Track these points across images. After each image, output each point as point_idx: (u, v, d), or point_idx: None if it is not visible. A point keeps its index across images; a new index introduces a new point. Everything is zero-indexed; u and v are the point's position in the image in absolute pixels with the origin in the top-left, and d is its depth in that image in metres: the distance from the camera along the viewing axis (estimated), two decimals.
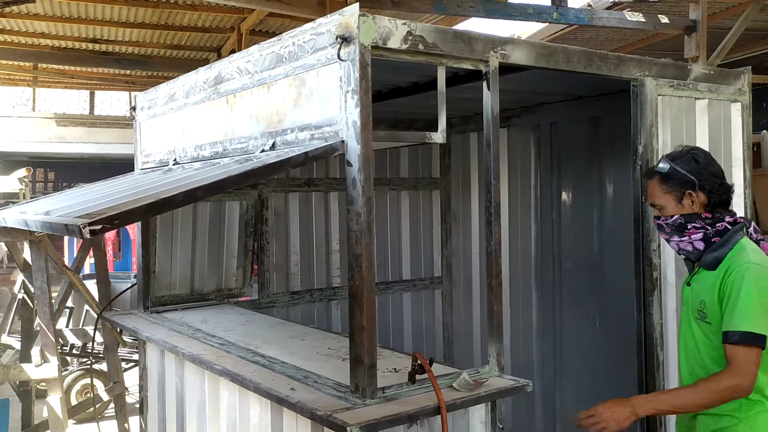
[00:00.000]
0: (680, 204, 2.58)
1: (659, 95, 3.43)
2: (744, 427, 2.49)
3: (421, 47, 2.60)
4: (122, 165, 9.66)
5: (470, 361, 5.49)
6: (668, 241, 2.69)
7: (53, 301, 4.72)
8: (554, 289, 5.09)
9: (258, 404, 2.99)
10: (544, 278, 5.17)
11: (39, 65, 12.51)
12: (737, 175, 3.89)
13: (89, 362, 6.64)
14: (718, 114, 3.76)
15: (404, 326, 5.75)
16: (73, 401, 6.46)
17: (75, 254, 10.77)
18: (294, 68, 2.84)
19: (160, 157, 4.19)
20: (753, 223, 2.59)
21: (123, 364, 6.08)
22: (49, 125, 12.12)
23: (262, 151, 2.98)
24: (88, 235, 2.04)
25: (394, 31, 2.52)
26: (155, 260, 4.49)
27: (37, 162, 15.14)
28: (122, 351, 6.48)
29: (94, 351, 6.02)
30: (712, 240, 2.57)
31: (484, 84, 2.84)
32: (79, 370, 6.90)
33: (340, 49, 2.48)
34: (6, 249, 5.13)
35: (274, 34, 9.69)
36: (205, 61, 11.47)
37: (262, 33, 9.76)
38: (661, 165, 2.65)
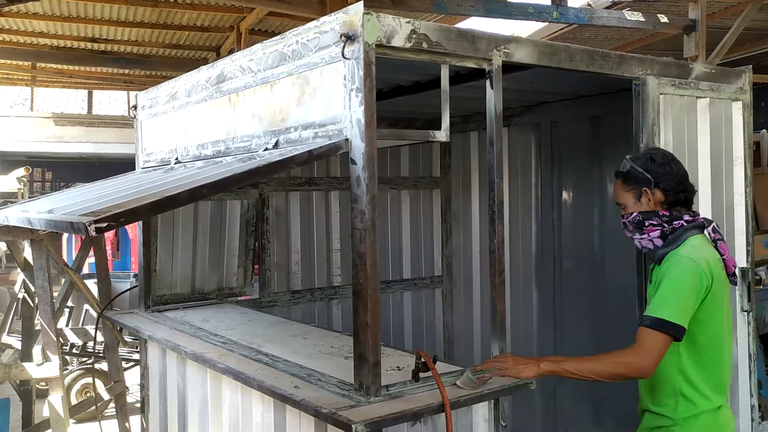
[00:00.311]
0: (639, 202, 2.68)
1: (661, 94, 3.43)
2: (680, 429, 2.56)
3: (425, 45, 2.61)
4: (120, 164, 9.65)
5: (471, 360, 5.49)
6: (632, 239, 2.78)
7: (54, 300, 4.72)
8: (555, 288, 5.11)
9: (261, 402, 3.00)
10: (544, 277, 5.18)
11: (37, 64, 12.49)
12: (738, 174, 3.90)
13: (90, 361, 6.64)
14: (720, 113, 3.78)
15: (405, 325, 5.76)
16: (73, 401, 6.45)
17: (73, 254, 10.76)
18: (297, 66, 2.84)
19: (161, 156, 4.19)
20: (714, 224, 2.67)
21: (123, 364, 6.07)
22: (47, 125, 12.09)
23: (266, 149, 2.98)
24: (93, 233, 2.04)
25: (398, 29, 2.53)
26: (156, 259, 4.49)
27: (34, 161, 15.11)
28: (122, 350, 6.48)
29: (95, 350, 6.02)
30: (669, 237, 2.65)
31: (488, 83, 2.84)
32: (80, 369, 6.89)
33: (344, 47, 2.48)
34: (5, 248, 5.12)
35: (273, 34, 9.69)
36: (204, 61, 11.46)
37: (261, 32, 9.75)
38: (622, 165, 2.77)
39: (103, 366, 5.76)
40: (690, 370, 2.55)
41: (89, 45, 11.01)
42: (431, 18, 8.37)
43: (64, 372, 4.95)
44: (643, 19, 7.45)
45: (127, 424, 5.12)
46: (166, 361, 3.91)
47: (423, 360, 2.56)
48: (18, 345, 5.54)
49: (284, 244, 5.13)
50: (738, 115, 3.87)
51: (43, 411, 6.11)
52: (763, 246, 6.91)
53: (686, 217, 2.63)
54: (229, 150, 3.37)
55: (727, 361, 2.62)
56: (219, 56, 11.10)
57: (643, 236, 2.70)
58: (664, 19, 7.57)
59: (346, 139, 2.52)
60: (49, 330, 4.38)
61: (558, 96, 4.84)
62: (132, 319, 4.26)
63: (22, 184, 12.22)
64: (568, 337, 4.99)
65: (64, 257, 9.90)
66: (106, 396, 5.59)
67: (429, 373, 2.55)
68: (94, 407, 5.36)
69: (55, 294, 5.00)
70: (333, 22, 2.60)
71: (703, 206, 3.70)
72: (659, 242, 2.67)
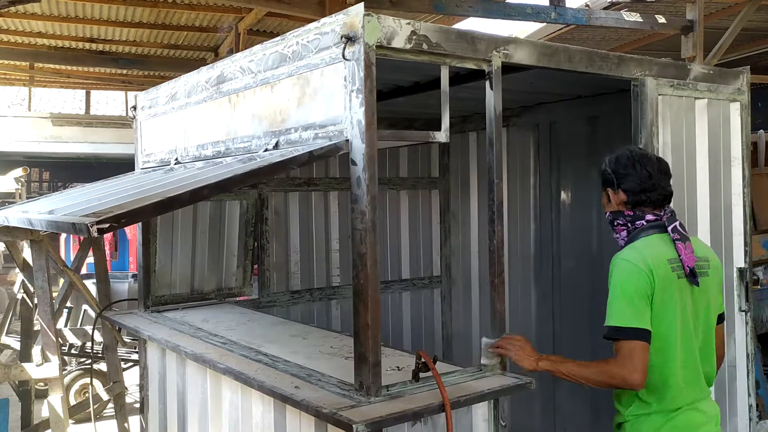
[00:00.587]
0: (609, 202, 2.70)
1: (659, 95, 3.45)
2: (631, 427, 2.57)
3: (425, 47, 2.62)
4: (118, 165, 9.65)
5: (469, 360, 5.50)
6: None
7: (53, 300, 4.72)
8: (553, 288, 5.12)
9: (261, 403, 3.00)
10: (543, 277, 5.19)
11: (35, 64, 12.47)
12: (736, 175, 3.92)
13: (90, 362, 6.63)
14: (718, 113, 3.79)
15: (403, 325, 5.77)
16: (72, 401, 6.45)
17: (71, 254, 10.76)
18: (298, 67, 2.85)
19: (161, 156, 4.20)
20: (677, 224, 2.56)
21: (122, 364, 6.07)
22: (45, 125, 12.07)
23: (266, 150, 2.99)
24: (95, 234, 2.05)
25: (399, 30, 2.54)
26: (155, 260, 4.49)
27: (32, 162, 15.09)
28: (121, 350, 6.48)
29: (94, 351, 6.01)
30: (628, 238, 2.66)
31: (487, 83, 2.85)
32: (78, 369, 6.89)
33: (344, 48, 2.49)
34: (3, 249, 5.12)
35: (272, 34, 9.69)
36: (203, 61, 11.45)
37: (260, 33, 9.75)
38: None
39: (102, 366, 5.75)
40: (649, 372, 2.49)
41: (87, 45, 11.00)
42: (429, 18, 8.39)
43: (63, 372, 4.94)
44: (641, 20, 7.47)
45: (126, 425, 5.12)
46: (166, 362, 3.91)
47: (423, 360, 2.57)
48: (17, 345, 5.54)
49: (283, 245, 5.14)
50: (736, 115, 3.88)
51: (42, 411, 6.11)
52: (761, 246, 6.94)
53: (648, 217, 2.59)
54: (229, 151, 3.38)
55: (685, 364, 2.51)
56: (217, 56, 11.10)
57: (615, 235, 2.70)
58: (661, 19, 7.58)
59: (347, 140, 2.53)
60: (48, 330, 4.38)
61: (557, 96, 4.85)
62: (131, 320, 4.26)
63: (20, 184, 12.20)
64: (566, 337, 5.00)
65: (62, 257, 9.89)
66: (105, 396, 5.59)
67: (429, 373, 2.56)
68: (93, 407, 5.36)
69: (54, 294, 5.00)
70: (333, 24, 2.61)
71: (701, 207, 3.72)
72: (626, 242, 2.66)
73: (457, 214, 5.86)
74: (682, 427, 2.52)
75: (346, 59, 2.50)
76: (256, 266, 5.12)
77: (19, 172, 12.04)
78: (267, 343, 3.49)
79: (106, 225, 2.10)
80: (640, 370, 2.40)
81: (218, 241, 4.84)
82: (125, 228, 10.33)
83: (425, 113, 5.17)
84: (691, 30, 7.61)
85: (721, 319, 2.73)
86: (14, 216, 3.49)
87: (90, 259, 6.81)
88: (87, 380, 6.66)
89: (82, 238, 5.72)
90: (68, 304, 7.63)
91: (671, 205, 2.70)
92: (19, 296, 5.30)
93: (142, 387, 4.26)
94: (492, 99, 2.84)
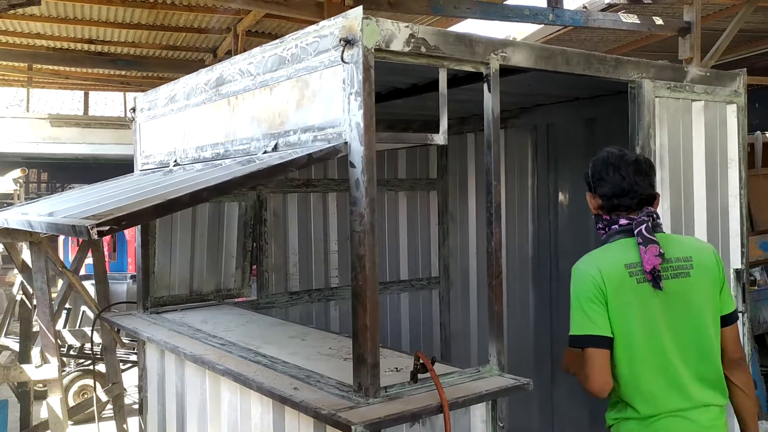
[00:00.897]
0: (591, 206, 2.66)
1: (656, 97, 3.47)
2: (614, 430, 2.54)
3: (423, 50, 2.63)
4: (116, 166, 9.65)
5: (468, 361, 5.52)
6: None
7: (52, 302, 4.72)
8: (551, 289, 5.13)
9: (260, 404, 3.01)
10: (541, 278, 5.21)
11: (34, 66, 12.47)
12: (733, 176, 3.93)
13: (91, 363, 6.64)
14: (714, 115, 3.81)
15: (402, 326, 5.78)
16: (71, 402, 6.45)
17: (70, 255, 10.74)
18: (297, 70, 2.86)
19: (160, 158, 4.21)
20: (643, 227, 2.46)
21: (121, 365, 6.07)
22: (43, 126, 12.07)
23: (265, 152, 3.00)
24: (95, 236, 2.06)
25: (397, 33, 2.55)
26: (154, 261, 4.50)
27: (30, 163, 15.09)
28: (120, 352, 6.48)
29: (93, 352, 6.02)
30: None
31: (485, 86, 2.87)
32: (77, 370, 6.89)
33: (343, 51, 2.51)
34: (2, 250, 5.12)
35: (270, 35, 9.70)
36: (201, 62, 11.46)
37: (258, 34, 9.75)
38: None
39: (101, 368, 5.76)
40: (616, 378, 2.47)
41: (86, 46, 10.99)
42: (427, 20, 8.40)
43: (62, 374, 4.95)
44: (639, 22, 7.48)
45: (125, 426, 5.13)
46: (165, 363, 3.92)
47: (421, 361, 2.58)
48: (16, 347, 5.54)
49: (282, 246, 5.15)
50: (732, 117, 3.90)
51: (41, 412, 6.11)
52: (758, 247, 6.96)
53: (621, 222, 2.52)
54: (228, 153, 3.39)
55: (659, 370, 2.43)
56: (216, 58, 11.10)
57: (602, 239, 2.66)
58: (659, 21, 7.60)
59: (345, 143, 2.55)
60: (47, 332, 4.39)
61: (554, 98, 4.87)
62: (130, 321, 4.27)
63: (18, 185, 12.20)
64: (564, 338, 5.00)
65: (61, 259, 9.89)
66: (104, 397, 5.59)
67: (427, 375, 2.57)
68: (92, 408, 5.37)
69: (53, 296, 5.01)
70: (332, 27, 2.62)
71: (698, 208, 3.74)
72: None
73: (455, 215, 5.88)
74: None
75: (345, 62, 2.52)
76: (254, 267, 5.13)
77: (17, 173, 12.04)
78: (266, 344, 3.50)
79: (106, 227, 2.11)
80: (596, 378, 2.38)
81: (217, 243, 4.85)
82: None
83: (423, 115, 5.18)
84: (688, 31, 7.63)
85: (729, 320, 2.53)
86: (14, 218, 3.49)
87: (89, 261, 6.81)
88: (86, 381, 6.66)
89: (81, 239, 5.73)
90: (67, 305, 7.62)
91: (659, 206, 2.63)
92: (18, 297, 5.30)
93: (141, 388, 4.27)
94: (490, 101, 2.86)
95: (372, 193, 2.48)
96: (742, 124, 3.93)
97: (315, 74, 2.74)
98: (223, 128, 3.47)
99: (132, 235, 10.05)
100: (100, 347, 5.28)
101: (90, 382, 6.48)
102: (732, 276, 3.87)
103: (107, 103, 25.55)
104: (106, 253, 10.70)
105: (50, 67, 12.54)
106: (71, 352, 7.03)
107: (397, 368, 2.92)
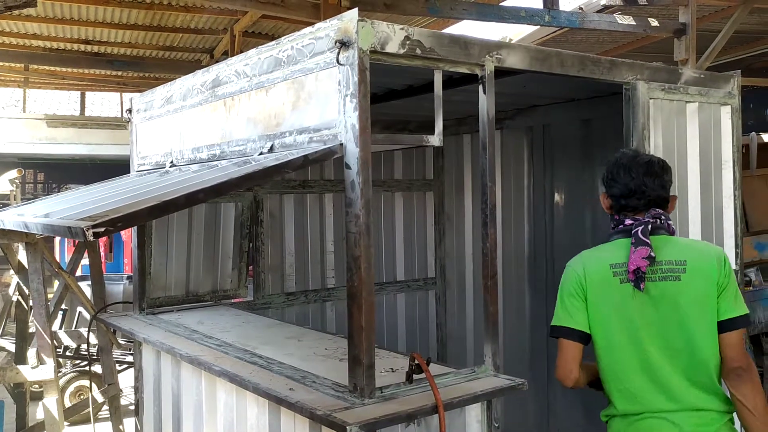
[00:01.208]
0: (603, 206, 2.70)
1: (651, 98, 3.48)
2: (608, 427, 2.60)
3: (418, 52, 2.64)
4: (113, 166, 9.64)
5: (464, 361, 5.53)
6: None
7: (48, 303, 4.72)
8: (547, 290, 5.14)
9: (255, 405, 3.02)
10: (537, 278, 5.22)
11: (30, 66, 12.46)
12: (727, 177, 3.95)
13: (87, 364, 6.63)
14: (708, 117, 3.83)
15: (398, 327, 5.79)
16: (67, 403, 6.44)
17: (66, 256, 10.73)
18: (293, 72, 2.87)
19: (156, 159, 4.21)
20: (639, 229, 2.47)
21: (117, 366, 6.07)
22: (40, 126, 12.05)
23: (261, 153, 3.01)
24: (91, 238, 2.06)
25: (392, 35, 2.56)
26: (151, 262, 4.50)
27: (27, 163, 15.06)
28: (116, 353, 6.47)
29: (90, 353, 6.02)
30: None
31: (480, 88, 2.88)
32: (73, 371, 6.89)
33: (339, 53, 2.51)
34: None
35: (267, 36, 9.70)
36: (198, 63, 11.46)
37: (255, 35, 9.76)
38: None
39: (96, 368, 5.76)
40: (601, 373, 2.56)
41: (82, 47, 10.99)
42: (424, 22, 8.41)
43: (58, 375, 4.95)
44: (634, 23, 7.51)
45: (121, 427, 5.13)
46: (161, 364, 3.93)
47: (417, 362, 2.59)
48: (12, 348, 5.54)
49: (278, 247, 5.16)
50: (727, 119, 3.92)
51: (37, 414, 6.11)
52: (753, 248, 6.99)
53: (627, 222, 2.55)
54: (225, 154, 3.40)
55: (641, 370, 2.45)
56: (212, 58, 11.10)
57: None
58: (654, 22, 7.63)
59: (341, 144, 2.56)
60: (43, 333, 4.39)
61: (550, 99, 4.88)
62: (126, 322, 4.27)
63: (15, 185, 12.19)
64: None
65: (57, 260, 9.87)
66: (100, 398, 5.59)
67: (422, 375, 2.58)
68: (88, 410, 5.37)
69: (49, 296, 5.00)
70: (328, 29, 2.63)
71: (693, 209, 3.76)
72: None
73: (451, 216, 5.89)
74: None
75: (341, 64, 2.53)
76: (251, 268, 5.14)
77: (13, 173, 12.03)
78: (262, 345, 3.50)
79: (102, 229, 2.11)
80: (561, 366, 2.55)
81: (213, 243, 4.85)
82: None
83: (420, 115, 5.20)
84: (683, 33, 7.66)
85: (727, 326, 2.43)
86: (10, 219, 3.49)
87: (85, 261, 6.81)
88: (82, 382, 6.65)
89: (77, 240, 5.73)
90: (63, 306, 7.63)
91: (674, 208, 2.66)
92: (14, 298, 5.30)
93: (137, 389, 4.27)
94: (485, 103, 2.87)
95: (367, 195, 2.49)
96: (737, 125, 3.95)
97: (311, 76, 2.75)
98: (219, 129, 3.48)
99: (129, 235, 10.03)
100: (96, 348, 5.28)
101: (86, 383, 6.47)
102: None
103: (104, 103, 25.52)
104: (102, 253, 10.70)
105: (47, 67, 12.53)
106: (67, 353, 7.02)
107: (392, 369, 2.93)
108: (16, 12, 8.81)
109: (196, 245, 4.76)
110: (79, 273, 8.65)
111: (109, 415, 5.28)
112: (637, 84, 3.43)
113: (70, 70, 12.74)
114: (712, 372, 2.44)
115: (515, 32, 9.90)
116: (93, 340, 5.29)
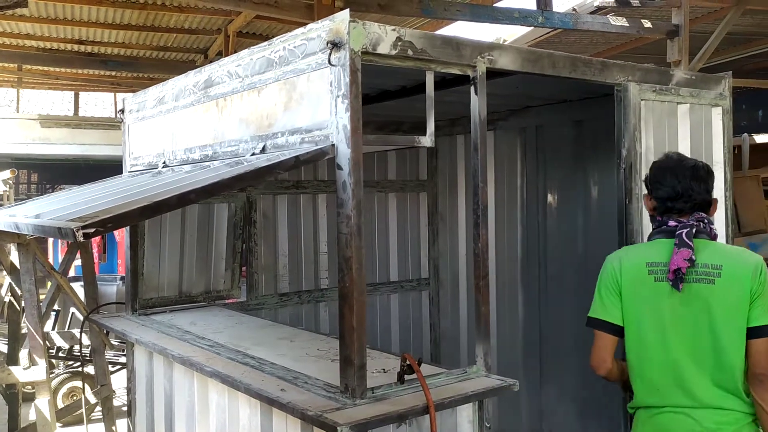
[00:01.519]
0: (646, 207, 2.81)
1: (642, 100, 3.50)
2: (635, 419, 2.72)
3: (410, 53, 2.65)
4: (106, 166, 9.62)
5: (457, 361, 5.54)
6: None
7: (40, 303, 4.71)
8: (540, 291, 5.16)
9: (248, 405, 3.02)
10: (529, 279, 5.23)
11: (24, 66, 12.42)
12: (718, 178, 3.95)
13: (79, 365, 6.62)
14: (700, 118, 3.84)
15: (391, 327, 5.80)
16: (59, 404, 6.43)
17: (59, 257, 10.70)
18: (284, 72, 2.87)
19: (149, 159, 4.20)
20: (684, 231, 2.53)
21: (110, 367, 6.06)
22: (33, 126, 12.03)
23: (253, 154, 3.01)
24: (81, 239, 2.06)
25: (384, 36, 2.57)
26: (143, 262, 4.50)
27: (20, 163, 15.02)
28: (108, 354, 6.46)
29: (82, 354, 6.01)
30: None
31: (472, 89, 2.89)
32: (66, 372, 6.87)
33: (330, 54, 2.52)
34: None
35: (261, 36, 9.70)
36: (192, 63, 11.44)
37: (249, 35, 9.76)
38: None
39: (89, 369, 5.75)
40: (629, 367, 2.69)
41: (76, 47, 10.97)
42: (417, 23, 8.42)
43: (50, 375, 4.94)
44: (627, 25, 7.54)
45: (113, 428, 5.12)
46: (153, 365, 3.92)
47: (408, 362, 2.59)
48: (4, 348, 5.52)
49: (272, 247, 5.15)
50: (718, 120, 3.93)
51: (29, 415, 6.09)
52: (746, 248, 7.01)
53: (671, 223, 2.61)
54: (217, 154, 3.39)
55: (663, 366, 2.54)
56: (206, 58, 11.09)
57: None
58: (647, 24, 7.66)
59: (333, 145, 2.56)
60: (35, 333, 4.38)
61: (543, 100, 4.90)
62: (119, 323, 4.26)
63: (8, 186, 12.13)
64: (553, 339, 5.04)
65: (50, 260, 9.85)
66: (92, 399, 5.58)
67: (414, 376, 2.58)
68: (80, 411, 5.36)
69: (42, 297, 4.99)
70: (319, 29, 2.63)
71: None
72: None
73: (445, 216, 5.90)
74: (660, 427, 2.57)
75: (332, 65, 2.53)
76: (244, 269, 5.13)
77: (6, 173, 11.97)
78: (254, 345, 3.50)
79: (92, 230, 2.11)
80: (594, 356, 2.68)
81: (206, 244, 4.85)
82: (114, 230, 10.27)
83: (413, 116, 5.19)
84: (676, 34, 7.69)
85: (756, 333, 2.48)
86: (1, 220, 3.48)
87: (78, 262, 6.80)
88: (74, 383, 6.63)
89: (69, 241, 5.72)
90: (56, 307, 7.60)
91: (715, 211, 2.76)
92: (7, 299, 5.28)
93: (130, 390, 4.26)
94: (477, 104, 2.87)
95: (359, 195, 2.49)
96: (728, 126, 3.96)
97: (302, 77, 2.75)
98: (211, 130, 3.47)
99: (122, 236, 10.02)
100: (88, 349, 5.26)
101: (78, 384, 6.45)
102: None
103: (97, 103, 25.45)
104: (95, 254, 10.68)
105: (40, 67, 12.50)
106: (60, 354, 7.01)
107: (384, 369, 2.94)
108: (9, 12, 8.78)
109: (189, 246, 4.76)
110: (72, 274, 8.64)
111: (101, 416, 5.27)
112: (628, 85, 3.44)
113: (63, 70, 12.72)
114: (737, 376, 2.50)
115: (509, 33, 9.93)
116: (86, 341, 5.27)
